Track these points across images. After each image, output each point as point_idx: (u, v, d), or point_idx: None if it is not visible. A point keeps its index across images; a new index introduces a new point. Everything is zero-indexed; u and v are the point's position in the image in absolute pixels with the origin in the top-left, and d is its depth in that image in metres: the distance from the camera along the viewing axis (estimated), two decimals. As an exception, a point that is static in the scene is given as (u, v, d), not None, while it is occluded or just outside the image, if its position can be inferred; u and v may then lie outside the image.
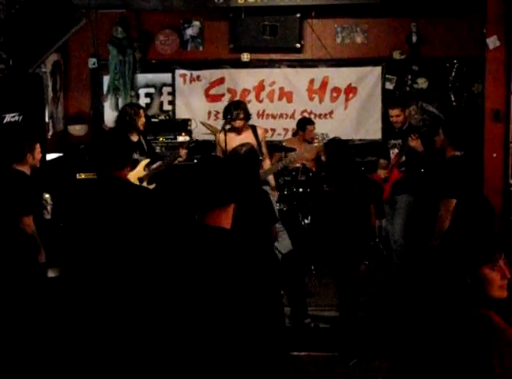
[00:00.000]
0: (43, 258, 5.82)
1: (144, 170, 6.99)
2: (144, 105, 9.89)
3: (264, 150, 7.47)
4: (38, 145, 6.03)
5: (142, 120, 7.18)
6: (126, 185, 4.82)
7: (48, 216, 6.86)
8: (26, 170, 5.83)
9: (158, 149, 8.83)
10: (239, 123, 7.31)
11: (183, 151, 7.06)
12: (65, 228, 5.19)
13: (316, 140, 8.18)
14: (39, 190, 6.12)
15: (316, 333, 6.34)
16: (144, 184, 6.91)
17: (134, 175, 6.85)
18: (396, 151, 7.74)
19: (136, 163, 7.05)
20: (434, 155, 6.51)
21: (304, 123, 8.97)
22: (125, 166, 4.75)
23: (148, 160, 7.06)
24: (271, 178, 7.50)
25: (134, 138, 7.13)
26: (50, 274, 5.87)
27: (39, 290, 5.37)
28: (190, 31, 9.80)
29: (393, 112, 7.78)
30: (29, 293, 5.33)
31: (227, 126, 7.39)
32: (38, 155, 6.00)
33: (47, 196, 6.83)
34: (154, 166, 7.06)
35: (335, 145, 6.57)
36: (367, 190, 6.64)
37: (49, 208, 6.84)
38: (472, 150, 7.33)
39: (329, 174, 6.43)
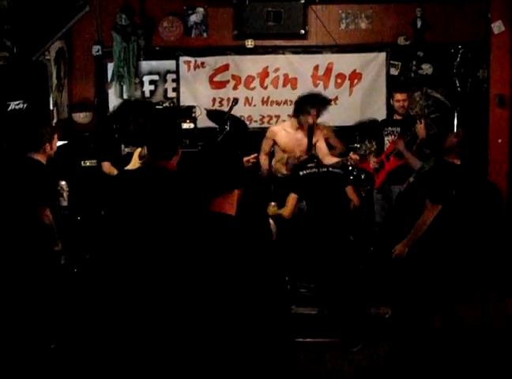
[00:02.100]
0: (60, 248, 5.83)
1: (140, 159, 6.95)
2: (148, 92, 9.92)
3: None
4: (56, 135, 5.99)
5: None
6: (173, 174, 4.68)
7: (65, 203, 6.82)
8: (42, 159, 5.75)
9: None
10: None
11: None
12: (106, 218, 5.12)
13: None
14: (55, 179, 6.09)
15: (320, 319, 6.37)
16: None
17: (131, 167, 6.84)
18: (392, 138, 7.76)
19: (130, 156, 7.05)
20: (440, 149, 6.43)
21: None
22: (172, 156, 4.65)
23: (140, 150, 7.01)
24: None
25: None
26: (63, 260, 5.91)
27: (55, 279, 5.41)
28: (193, 18, 9.77)
29: (401, 96, 7.82)
30: (45, 283, 5.37)
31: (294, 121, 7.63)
32: (55, 145, 5.95)
33: (63, 183, 6.80)
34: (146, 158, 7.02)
35: None
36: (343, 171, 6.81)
37: (65, 194, 6.79)
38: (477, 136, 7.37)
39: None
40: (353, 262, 6.48)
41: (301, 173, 6.92)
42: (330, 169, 6.95)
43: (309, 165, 7.04)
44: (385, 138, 8.04)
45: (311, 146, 7.53)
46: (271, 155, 8.08)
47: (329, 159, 7.50)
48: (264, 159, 7.96)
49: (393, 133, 7.93)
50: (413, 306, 4.26)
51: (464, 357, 3.08)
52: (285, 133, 7.87)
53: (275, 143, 7.93)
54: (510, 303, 3.15)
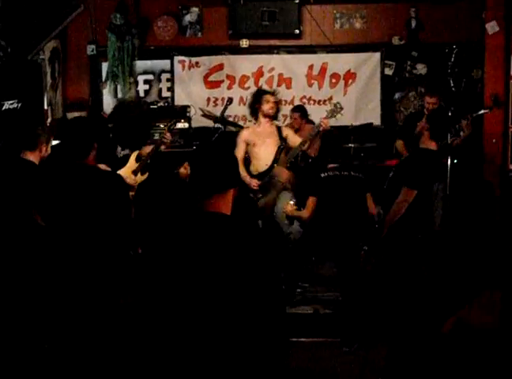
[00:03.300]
0: None
1: (136, 162, 6.95)
2: (143, 92, 9.91)
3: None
4: (52, 138, 5.94)
5: None
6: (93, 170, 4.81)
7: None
8: (35, 159, 5.69)
9: (157, 136, 8.83)
10: None
11: (167, 134, 7.01)
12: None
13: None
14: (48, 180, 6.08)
15: (316, 319, 6.37)
16: (139, 175, 6.88)
17: (127, 169, 6.83)
18: None
19: (127, 158, 7.04)
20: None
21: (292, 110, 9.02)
22: (88, 155, 4.72)
23: (137, 152, 7.01)
24: None
25: None
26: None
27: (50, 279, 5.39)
28: (188, 18, 9.77)
29: (431, 100, 7.89)
30: (40, 283, 5.36)
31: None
32: (50, 148, 5.89)
33: None
34: (143, 153, 7.01)
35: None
36: (364, 176, 6.68)
37: None
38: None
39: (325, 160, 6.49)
40: (364, 264, 6.43)
41: (322, 175, 6.81)
42: (352, 173, 6.79)
43: (330, 166, 6.89)
44: None
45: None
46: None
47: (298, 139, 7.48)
48: None
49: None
50: (416, 310, 4.26)
51: (477, 361, 3.09)
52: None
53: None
54: None
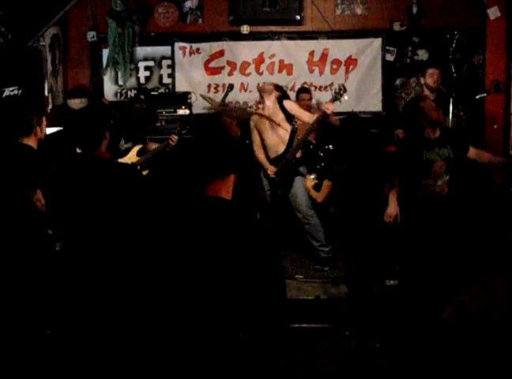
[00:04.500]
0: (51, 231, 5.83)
1: (137, 155, 6.94)
2: (143, 78, 9.90)
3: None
4: (44, 118, 5.99)
5: None
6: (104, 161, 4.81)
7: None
8: (33, 143, 5.73)
9: (158, 123, 8.83)
10: None
11: (175, 138, 7.00)
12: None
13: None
14: (48, 164, 6.10)
15: (317, 305, 6.39)
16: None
17: (127, 160, 6.81)
18: None
19: (128, 151, 7.04)
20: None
21: (298, 92, 9.01)
22: (99, 145, 4.74)
23: (140, 146, 7.01)
24: None
25: None
26: (58, 247, 5.90)
27: (48, 263, 5.40)
28: (189, 4, 9.74)
29: (433, 71, 7.97)
30: (39, 266, 5.37)
31: None
32: (44, 127, 5.95)
33: None
34: (148, 149, 7.02)
35: (352, 123, 6.52)
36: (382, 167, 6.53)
37: None
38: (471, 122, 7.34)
39: (343, 152, 6.40)
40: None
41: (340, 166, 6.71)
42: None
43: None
44: None
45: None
46: None
47: (309, 116, 7.44)
48: None
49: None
50: (417, 296, 4.23)
51: (476, 348, 3.09)
52: None
53: None
54: None
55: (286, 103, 7.51)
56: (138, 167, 6.73)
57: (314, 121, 7.13)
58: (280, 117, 7.41)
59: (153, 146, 7.02)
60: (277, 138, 7.43)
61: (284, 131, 7.39)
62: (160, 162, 6.97)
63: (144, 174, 6.86)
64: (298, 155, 7.41)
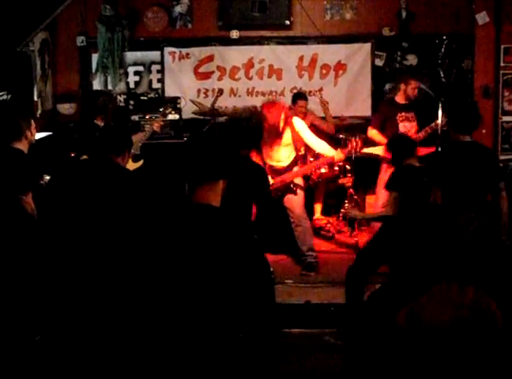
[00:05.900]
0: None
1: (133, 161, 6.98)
2: (133, 83, 9.89)
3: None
4: (33, 121, 5.99)
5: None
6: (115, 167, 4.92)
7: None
8: (24, 147, 5.74)
9: (148, 127, 8.82)
10: None
11: (158, 122, 7.02)
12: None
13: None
14: (39, 169, 6.09)
15: (308, 310, 6.38)
16: (130, 162, 6.87)
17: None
18: (407, 124, 7.90)
19: None
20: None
21: (296, 97, 8.92)
22: (121, 153, 4.96)
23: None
24: None
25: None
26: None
27: (38, 265, 5.39)
28: (178, 9, 9.74)
29: (415, 84, 8.07)
30: (28, 269, 5.36)
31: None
32: (34, 130, 5.96)
33: (47, 177, 6.77)
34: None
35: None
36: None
37: None
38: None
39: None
40: None
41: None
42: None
43: None
44: (400, 124, 8.14)
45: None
46: None
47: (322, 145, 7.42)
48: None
49: (408, 119, 8.07)
50: (373, 301, 4.16)
51: (432, 355, 3.07)
52: None
53: None
54: (470, 292, 3.12)
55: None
56: (131, 161, 6.80)
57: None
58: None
59: (138, 137, 7.06)
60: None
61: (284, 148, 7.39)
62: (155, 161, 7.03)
63: (138, 167, 6.89)
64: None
